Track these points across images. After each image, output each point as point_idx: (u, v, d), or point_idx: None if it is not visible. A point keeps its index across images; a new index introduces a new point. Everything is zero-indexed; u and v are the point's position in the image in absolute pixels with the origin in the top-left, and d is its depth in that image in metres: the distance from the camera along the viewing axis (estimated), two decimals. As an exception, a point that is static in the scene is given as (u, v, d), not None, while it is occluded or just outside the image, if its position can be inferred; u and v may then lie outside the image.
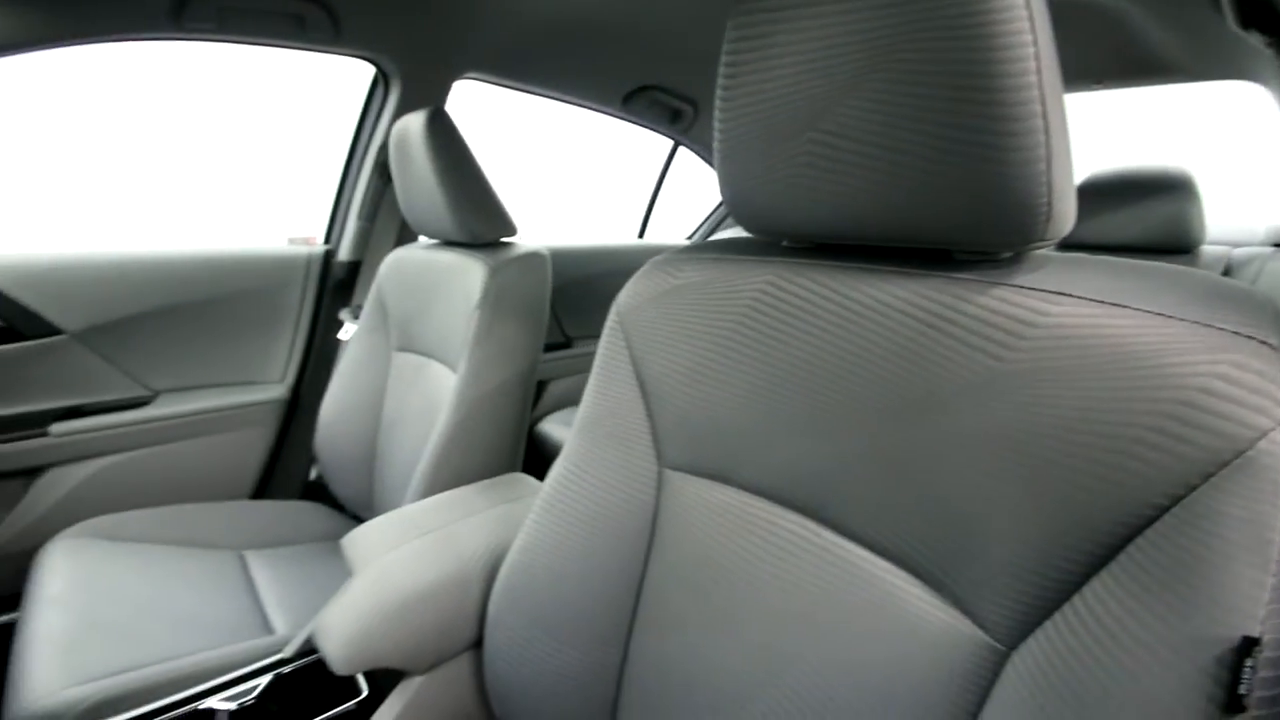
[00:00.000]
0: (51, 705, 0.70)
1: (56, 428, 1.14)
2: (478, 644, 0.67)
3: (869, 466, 0.42)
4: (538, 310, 1.01)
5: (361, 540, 0.72)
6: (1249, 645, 0.28)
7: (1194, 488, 0.30)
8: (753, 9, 0.42)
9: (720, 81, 0.44)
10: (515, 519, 0.75)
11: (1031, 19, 0.34)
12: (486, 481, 0.88)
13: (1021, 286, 0.37)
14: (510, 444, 1.01)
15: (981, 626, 0.37)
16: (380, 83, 1.36)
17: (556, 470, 0.61)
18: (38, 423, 1.13)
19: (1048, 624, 0.34)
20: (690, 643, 0.51)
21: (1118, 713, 0.30)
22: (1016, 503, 0.35)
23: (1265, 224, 1.49)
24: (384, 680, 0.68)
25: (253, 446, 1.36)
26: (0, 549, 1.13)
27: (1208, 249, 1.39)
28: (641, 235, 2.29)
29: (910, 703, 0.39)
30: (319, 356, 1.43)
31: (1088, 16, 1.14)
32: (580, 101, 1.67)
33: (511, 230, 1.07)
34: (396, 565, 0.67)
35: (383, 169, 1.39)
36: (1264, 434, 0.29)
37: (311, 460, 1.45)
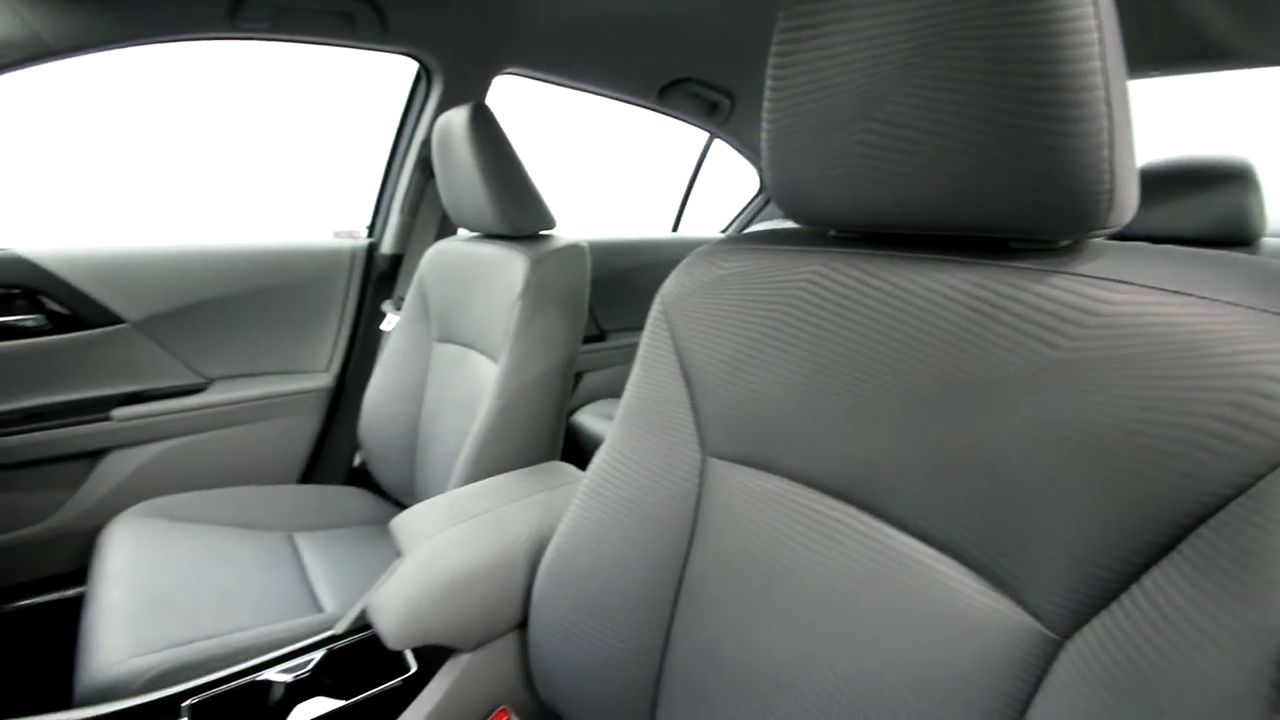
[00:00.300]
0: (120, 673, 0.74)
1: (118, 413, 1.20)
2: (523, 624, 0.68)
3: (918, 454, 0.42)
4: (577, 302, 1.03)
5: (410, 522, 0.75)
6: None
7: (1261, 476, 0.29)
8: None
9: (770, 72, 0.44)
10: (557, 505, 0.77)
11: (1096, 1, 0.33)
12: (528, 469, 0.90)
13: (1081, 275, 0.37)
14: (549, 433, 1.02)
15: (1034, 615, 0.36)
16: (423, 79, 1.38)
17: (600, 458, 0.62)
18: (101, 408, 1.19)
19: (1104, 613, 0.34)
20: (732, 628, 0.52)
21: (1179, 701, 0.30)
22: (1074, 491, 0.34)
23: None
24: (431, 658, 0.70)
25: (300, 433, 1.41)
26: (66, 527, 1.19)
27: (1269, 241, 1.33)
28: (676, 229, 2.29)
29: (958, 689, 0.39)
30: (363, 347, 1.47)
31: None
32: (617, 95, 1.67)
33: (551, 223, 1.08)
34: (445, 546, 0.69)
35: (425, 164, 1.42)
36: None
37: (355, 447, 1.49)
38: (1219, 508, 0.30)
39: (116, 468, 1.21)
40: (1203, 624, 0.30)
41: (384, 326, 1.44)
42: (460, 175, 1.06)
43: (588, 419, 1.68)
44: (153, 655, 0.75)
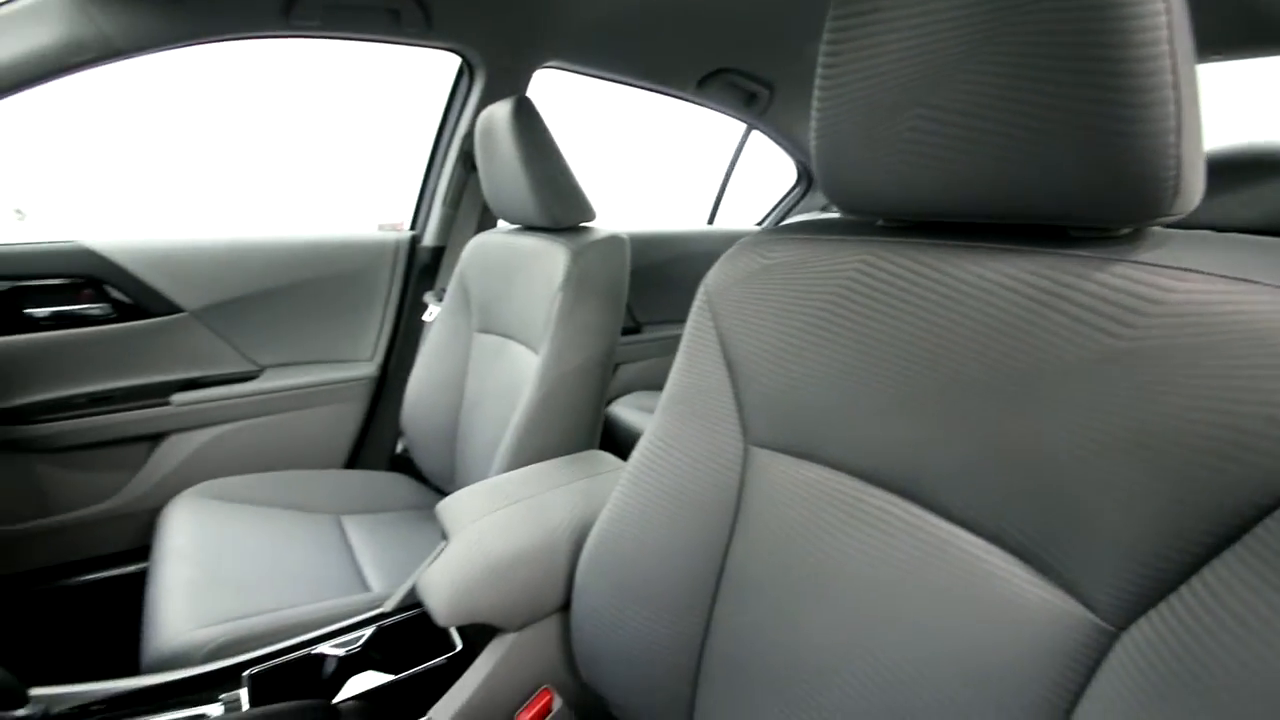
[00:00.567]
0: (183, 644, 0.78)
1: (177, 398, 1.25)
2: (565, 607, 0.70)
3: (967, 444, 0.41)
4: (617, 293, 1.04)
5: (455, 506, 0.77)
6: None
7: None
8: None
9: (821, 60, 0.44)
10: (597, 492, 0.78)
11: None
12: (568, 457, 0.92)
13: (1144, 263, 0.36)
14: (589, 423, 1.03)
15: (1088, 606, 0.36)
16: (465, 73, 1.41)
17: (642, 446, 0.63)
18: (161, 393, 1.25)
19: (1163, 605, 0.33)
20: (773, 615, 0.52)
21: (1240, 693, 0.29)
22: (1132, 482, 0.34)
23: None
24: (476, 637, 0.72)
25: (346, 420, 1.45)
26: (128, 506, 1.25)
27: None
28: (711, 221, 2.28)
29: (1004, 678, 0.39)
30: (405, 337, 1.51)
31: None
32: (655, 87, 1.67)
33: (591, 215, 1.09)
34: (490, 530, 0.71)
35: (467, 157, 1.45)
36: None
37: (398, 434, 1.53)
38: None
39: (175, 450, 1.27)
40: (1266, 616, 0.29)
41: (426, 317, 1.48)
42: (502, 168, 1.07)
43: (623, 410, 1.69)
44: (213, 628, 0.79)
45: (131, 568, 1.25)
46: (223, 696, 0.66)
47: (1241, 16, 1.17)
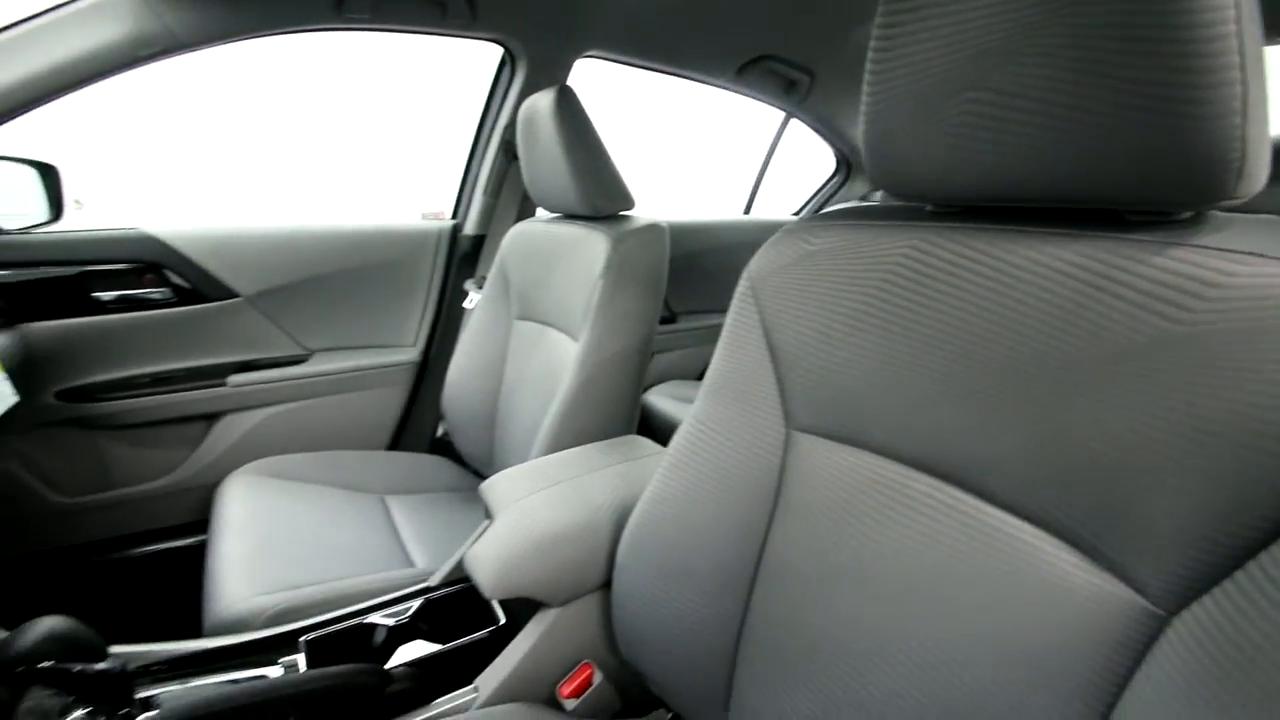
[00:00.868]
0: (242, 610, 0.82)
1: (232, 379, 1.31)
2: (607, 585, 0.72)
3: (1016, 429, 0.41)
4: (657, 280, 1.05)
5: (499, 486, 0.79)
6: None
7: None
8: None
9: (874, 43, 0.44)
10: (636, 476, 0.80)
11: None
12: (606, 442, 0.93)
13: (1204, 246, 0.36)
14: (627, 409, 1.05)
15: (1139, 591, 0.36)
16: (507, 64, 1.42)
17: (684, 430, 0.64)
18: (217, 374, 1.30)
19: (1216, 590, 0.33)
20: (814, 598, 0.53)
21: None
22: (1188, 466, 0.34)
23: None
24: (518, 613, 0.75)
25: (389, 403, 1.50)
26: (186, 482, 1.32)
27: None
28: (748, 211, 2.27)
29: (1050, 662, 0.39)
30: (446, 323, 1.54)
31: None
32: (694, 75, 1.67)
33: (631, 203, 1.10)
34: (533, 508, 0.73)
35: (508, 147, 1.47)
36: None
37: (439, 418, 1.57)
38: None
39: (230, 429, 1.33)
40: None
41: (466, 305, 1.51)
42: (544, 156, 1.09)
43: (657, 399, 1.70)
44: (271, 596, 0.83)
45: (189, 540, 1.31)
46: (281, 660, 0.69)
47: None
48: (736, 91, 1.77)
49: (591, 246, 1.04)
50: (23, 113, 0.94)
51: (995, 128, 0.40)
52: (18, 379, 0.97)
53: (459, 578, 0.81)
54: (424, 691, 0.68)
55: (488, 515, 0.77)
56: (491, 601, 0.79)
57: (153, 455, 1.30)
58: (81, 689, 0.54)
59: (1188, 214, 0.39)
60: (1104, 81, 0.35)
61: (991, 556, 0.43)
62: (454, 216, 1.58)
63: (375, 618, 0.75)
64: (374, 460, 1.32)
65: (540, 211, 1.38)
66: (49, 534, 1.22)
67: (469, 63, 1.49)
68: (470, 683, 0.69)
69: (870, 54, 0.45)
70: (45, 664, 0.53)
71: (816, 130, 2.03)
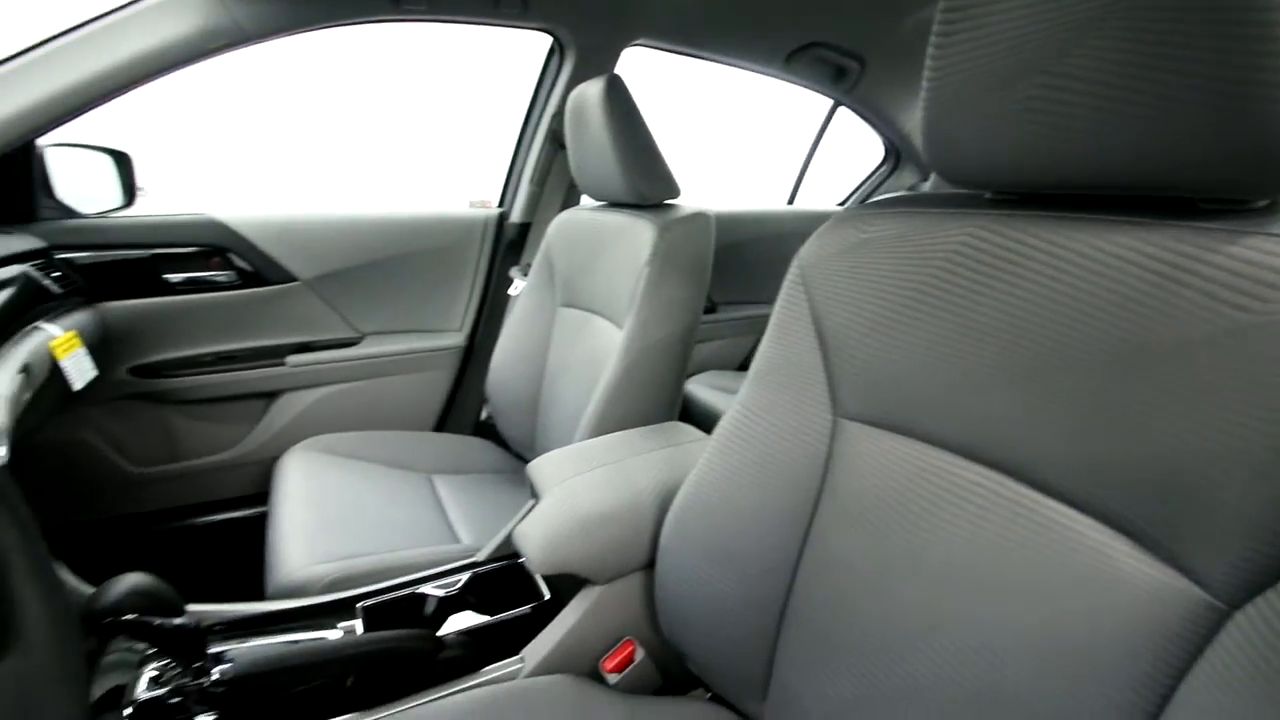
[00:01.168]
0: (302, 577, 0.86)
1: (291, 359, 1.37)
2: (650, 565, 0.73)
3: (1075, 420, 0.41)
4: (702, 268, 1.05)
5: (545, 466, 0.81)
6: None
7: None
8: None
9: (937, 26, 0.44)
10: (679, 460, 0.81)
11: None
12: (649, 427, 0.95)
13: (1278, 235, 0.35)
14: (669, 396, 1.06)
15: (1200, 584, 0.36)
16: (556, 53, 1.44)
17: (730, 416, 0.64)
18: (277, 355, 1.36)
19: None
20: (859, 583, 0.53)
21: None
22: (1256, 459, 0.33)
23: None
24: (563, 589, 0.77)
25: (435, 386, 1.54)
26: (248, 456, 1.38)
27: None
28: (791, 202, 2.24)
29: (1105, 654, 0.39)
30: (491, 309, 1.58)
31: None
32: (742, 63, 1.65)
33: (676, 191, 1.11)
34: (579, 488, 0.75)
35: (555, 136, 1.48)
36: None
37: (483, 402, 1.61)
38: None
39: (288, 407, 1.39)
40: None
41: (511, 291, 1.54)
42: (592, 145, 1.10)
43: (697, 388, 1.71)
44: (329, 564, 0.87)
45: (249, 511, 1.38)
46: (340, 624, 0.73)
47: None
48: (785, 79, 1.75)
49: (638, 234, 1.05)
50: (101, 103, 0.99)
51: (1063, 113, 0.39)
52: (97, 354, 1.03)
53: (505, 554, 0.83)
54: (473, 659, 0.70)
55: (534, 494, 0.79)
56: (536, 577, 0.81)
57: (216, 430, 1.36)
58: (161, 641, 0.59)
59: (1264, 202, 0.38)
60: (1178, 65, 0.34)
61: (1042, 545, 0.43)
62: (500, 205, 1.61)
63: (426, 589, 0.78)
64: (421, 440, 1.36)
65: (584, 200, 1.39)
66: (122, 501, 1.30)
67: (516, 54, 1.51)
68: (516, 654, 0.72)
69: (933, 38, 0.44)
70: (129, 616, 0.57)
71: (865, 118, 1.99)
